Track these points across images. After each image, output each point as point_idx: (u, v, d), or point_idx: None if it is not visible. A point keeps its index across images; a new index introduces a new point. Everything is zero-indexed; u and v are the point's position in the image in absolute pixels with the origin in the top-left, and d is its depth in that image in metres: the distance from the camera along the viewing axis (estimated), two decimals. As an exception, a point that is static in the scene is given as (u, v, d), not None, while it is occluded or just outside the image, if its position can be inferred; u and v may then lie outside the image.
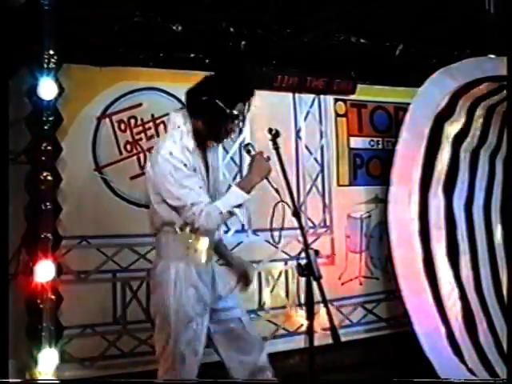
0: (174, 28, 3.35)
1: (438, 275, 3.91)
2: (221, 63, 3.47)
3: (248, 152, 2.55)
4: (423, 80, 3.87)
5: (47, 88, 2.93)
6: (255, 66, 3.67)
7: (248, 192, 2.47)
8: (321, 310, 2.19)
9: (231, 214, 2.47)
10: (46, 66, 2.93)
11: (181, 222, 2.48)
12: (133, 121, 3.45)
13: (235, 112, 2.49)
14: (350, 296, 4.09)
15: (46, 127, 2.95)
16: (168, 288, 2.48)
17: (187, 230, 2.49)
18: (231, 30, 3.51)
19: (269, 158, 2.50)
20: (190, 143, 2.49)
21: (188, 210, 2.40)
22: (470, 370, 3.66)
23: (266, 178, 2.50)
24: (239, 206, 2.47)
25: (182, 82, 3.54)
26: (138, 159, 3.46)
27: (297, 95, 3.94)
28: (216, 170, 2.70)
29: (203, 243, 2.54)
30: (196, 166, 2.49)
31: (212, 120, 2.51)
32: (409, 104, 3.97)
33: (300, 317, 3.71)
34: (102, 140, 3.36)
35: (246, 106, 2.54)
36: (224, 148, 3.68)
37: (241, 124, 2.55)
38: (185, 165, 2.43)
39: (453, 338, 3.77)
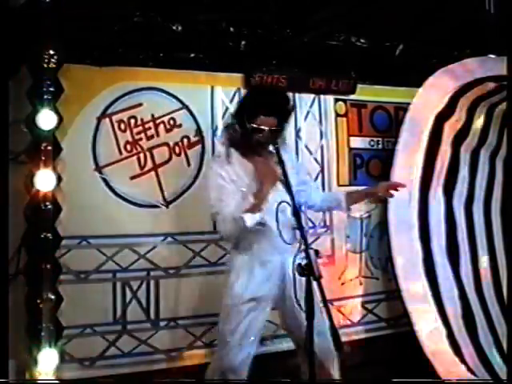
0: (174, 28, 3.35)
1: (438, 275, 3.91)
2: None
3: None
4: (423, 80, 3.87)
5: (47, 89, 2.93)
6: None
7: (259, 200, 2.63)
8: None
9: (249, 226, 2.59)
10: (45, 65, 2.92)
11: None
12: (133, 121, 3.45)
13: (255, 125, 2.69)
14: (350, 296, 4.09)
15: (45, 127, 2.95)
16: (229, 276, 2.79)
17: None
18: (231, 29, 3.51)
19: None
20: (230, 151, 2.78)
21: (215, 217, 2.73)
22: (470, 370, 3.66)
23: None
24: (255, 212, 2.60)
25: (181, 82, 3.58)
26: (138, 159, 3.45)
27: (297, 95, 3.94)
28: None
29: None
30: (235, 175, 2.72)
31: (240, 133, 2.77)
32: (409, 104, 3.97)
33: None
34: (101, 140, 3.36)
35: (272, 121, 2.71)
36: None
37: (266, 137, 2.71)
38: (222, 176, 2.72)
39: (453, 337, 3.77)
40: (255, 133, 2.70)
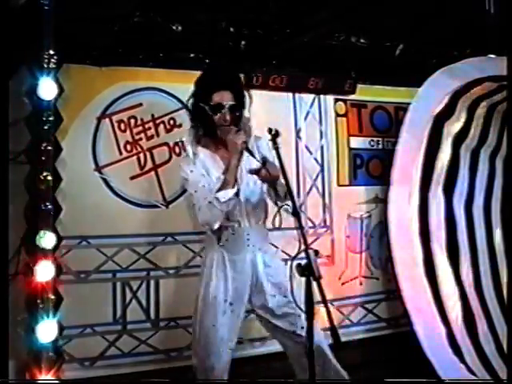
0: (174, 28, 3.34)
1: (438, 275, 3.91)
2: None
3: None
4: (423, 80, 3.87)
5: (47, 88, 2.93)
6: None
7: (229, 175, 2.60)
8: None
9: (225, 202, 2.57)
10: (45, 65, 2.92)
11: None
12: (133, 121, 3.45)
13: (212, 103, 2.67)
14: (350, 296, 4.09)
15: (45, 127, 2.95)
16: (201, 274, 2.81)
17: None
18: (231, 29, 3.51)
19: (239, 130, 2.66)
20: (197, 150, 2.73)
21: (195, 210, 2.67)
22: (470, 370, 3.66)
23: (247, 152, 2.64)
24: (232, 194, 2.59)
25: (181, 82, 3.56)
26: (138, 159, 3.46)
27: (297, 95, 3.94)
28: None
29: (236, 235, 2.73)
30: (204, 170, 2.69)
31: (199, 118, 2.74)
32: (409, 104, 3.97)
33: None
34: (101, 140, 3.37)
35: (228, 95, 2.69)
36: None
37: (228, 116, 2.68)
38: (191, 171, 2.68)
39: (453, 337, 3.77)
40: (215, 115, 2.67)
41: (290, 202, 2.47)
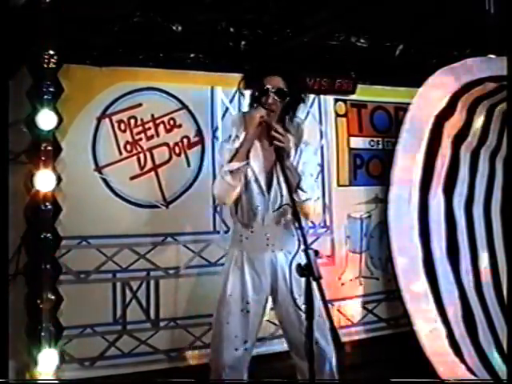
0: (174, 28, 3.34)
1: (438, 275, 3.91)
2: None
3: None
4: (423, 80, 3.87)
5: (47, 88, 2.93)
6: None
7: (241, 148, 2.62)
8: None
9: (231, 172, 2.57)
10: (45, 65, 2.92)
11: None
12: (133, 121, 3.45)
13: (261, 86, 2.67)
14: (349, 296, 4.09)
15: (45, 127, 2.95)
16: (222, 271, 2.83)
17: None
18: (231, 29, 3.51)
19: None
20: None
21: None
22: (470, 370, 3.66)
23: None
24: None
25: (182, 82, 3.58)
26: (138, 159, 3.46)
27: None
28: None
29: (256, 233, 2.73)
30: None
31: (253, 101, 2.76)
32: (409, 104, 3.97)
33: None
34: (101, 140, 3.36)
35: (279, 81, 2.69)
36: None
37: (271, 99, 2.66)
38: (237, 136, 2.71)
39: (453, 337, 3.77)
40: (262, 99, 2.65)
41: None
